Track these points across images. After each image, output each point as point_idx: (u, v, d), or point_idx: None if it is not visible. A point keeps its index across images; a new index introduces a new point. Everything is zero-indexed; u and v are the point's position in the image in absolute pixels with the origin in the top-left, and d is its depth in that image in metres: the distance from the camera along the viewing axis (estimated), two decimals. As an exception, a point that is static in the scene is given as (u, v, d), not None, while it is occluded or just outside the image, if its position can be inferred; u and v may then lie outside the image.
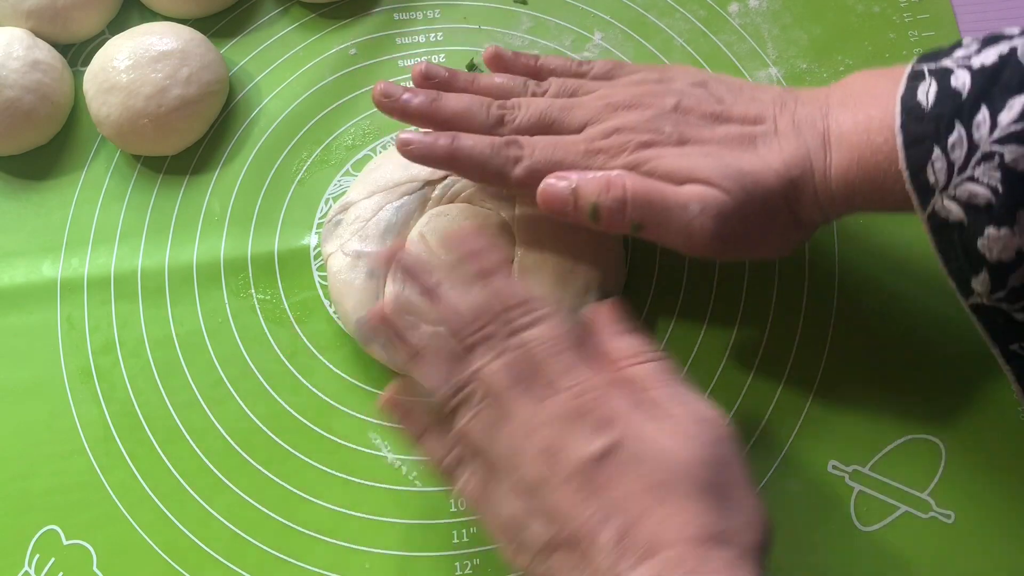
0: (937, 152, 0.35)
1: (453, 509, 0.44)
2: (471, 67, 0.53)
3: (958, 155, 0.34)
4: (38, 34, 0.54)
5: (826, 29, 0.53)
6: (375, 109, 0.52)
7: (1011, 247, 0.34)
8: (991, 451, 0.43)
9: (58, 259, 0.51)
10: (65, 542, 0.45)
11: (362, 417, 0.46)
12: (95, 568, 0.44)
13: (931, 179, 0.35)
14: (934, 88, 0.36)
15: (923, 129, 0.35)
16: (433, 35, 0.55)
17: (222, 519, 0.45)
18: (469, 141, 0.42)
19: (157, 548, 0.44)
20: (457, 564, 0.43)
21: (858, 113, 0.38)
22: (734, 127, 0.40)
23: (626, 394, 0.37)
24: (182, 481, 0.46)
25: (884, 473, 0.43)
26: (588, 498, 0.35)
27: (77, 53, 0.56)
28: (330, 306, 0.48)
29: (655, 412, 0.36)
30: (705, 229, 0.38)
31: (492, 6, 0.55)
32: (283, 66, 0.54)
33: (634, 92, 0.42)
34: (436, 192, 0.47)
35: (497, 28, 0.54)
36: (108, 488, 0.46)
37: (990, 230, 0.34)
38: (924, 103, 0.36)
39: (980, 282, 0.35)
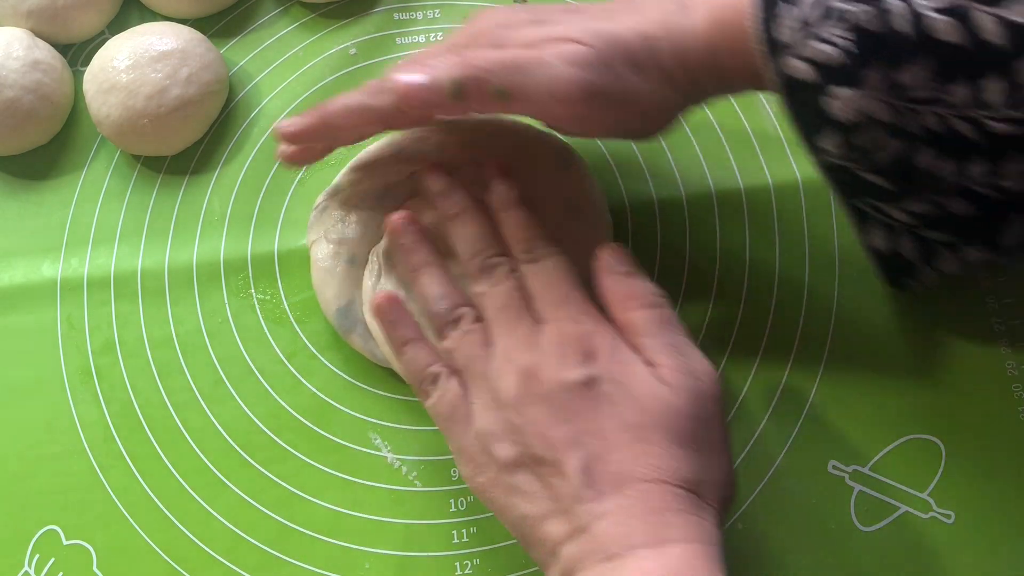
0: (786, 8, 0.34)
1: (453, 509, 0.44)
2: (471, 67, 0.53)
3: (809, 12, 0.34)
4: (38, 34, 0.54)
5: (826, 29, 0.52)
6: (375, 109, 0.53)
7: (857, 108, 0.34)
8: (991, 451, 0.43)
9: (58, 259, 0.51)
10: (65, 542, 0.45)
11: (362, 417, 0.46)
12: (95, 568, 0.44)
13: (780, 36, 0.35)
14: None
15: None
16: (433, 35, 0.55)
17: (222, 519, 0.45)
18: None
19: (157, 548, 0.44)
20: (457, 564, 0.43)
21: None
22: (595, 7, 0.40)
23: (614, 335, 0.38)
24: (182, 481, 0.46)
25: (884, 473, 0.43)
26: (561, 422, 0.36)
27: (77, 53, 0.56)
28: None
29: (645, 357, 0.37)
30: (571, 81, 0.37)
31: (492, 6, 0.55)
32: (283, 66, 0.54)
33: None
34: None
35: (497, 28, 0.54)
36: (108, 488, 0.46)
37: (838, 89, 0.34)
38: None
39: (828, 141, 0.35)
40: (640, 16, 0.39)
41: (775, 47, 0.35)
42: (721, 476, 0.36)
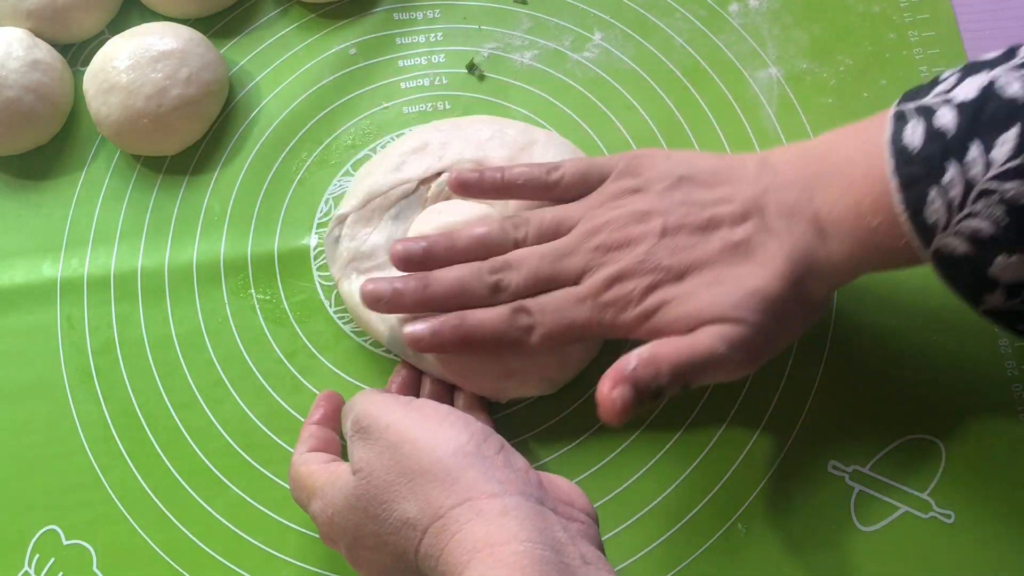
0: (933, 193, 0.35)
1: (453, 509, 0.44)
2: (471, 67, 0.53)
3: (955, 194, 0.34)
4: (38, 34, 0.54)
5: (826, 29, 0.53)
6: (375, 109, 0.53)
7: (1022, 269, 0.34)
8: (991, 451, 0.43)
9: (58, 259, 0.51)
10: (65, 542, 0.45)
11: (362, 417, 0.46)
12: (95, 568, 0.44)
13: (930, 219, 0.35)
14: (920, 128, 0.36)
15: (915, 171, 0.35)
16: (433, 35, 0.55)
17: (222, 519, 0.45)
18: (476, 319, 0.42)
19: (157, 548, 0.44)
20: (457, 564, 0.43)
21: (843, 196, 0.38)
22: (725, 232, 0.40)
23: None
24: (182, 481, 0.46)
25: (884, 473, 0.43)
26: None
27: (77, 53, 0.56)
28: (330, 306, 0.48)
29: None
30: (738, 361, 0.39)
31: (492, 6, 0.55)
32: (283, 66, 0.54)
33: (617, 219, 0.42)
34: (431, 190, 0.47)
35: (497, 28, 0.54)
36: (108, 488, 0.46)
37: (1000, 258, 0.34)
38: (911, 145, 0.36)
39: (994, 297, 0.36)
40: (781, 253, 0.39)
41: (926, 229, 0.35)
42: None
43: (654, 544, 0.43)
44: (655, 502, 0.44)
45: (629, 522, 0.43)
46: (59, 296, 0.50)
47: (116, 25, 0.56)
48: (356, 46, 0.54)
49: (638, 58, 0.53)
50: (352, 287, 0.46)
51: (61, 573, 0.45)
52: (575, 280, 0.42)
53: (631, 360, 0.38)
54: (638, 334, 0.41)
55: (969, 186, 0.34)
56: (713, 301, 0.39)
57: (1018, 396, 0.44)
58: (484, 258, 0.43)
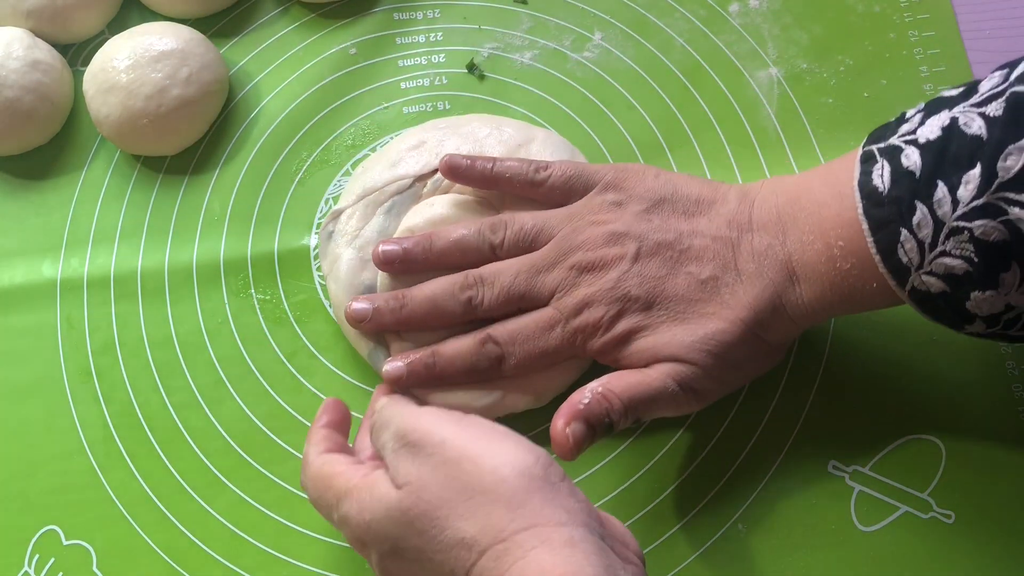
0: (905, 233, 0.36)
1: (453, 509, 0.44)
2: (471, 67, 0.53)
3: (926, 234, 0.35)
4: (38, 34, 0.54)
5: (826, 29, 0.53)
6: (375, 109, 0.53)
7: (1000, 302, 0.35)
8: (991, 451, 0.43)
9: (58, 259, 0.51)
10: (65, 542, 0.45)
11: (362, 417, 0.46)
12: (95, 568, 0.44)
13: (904, 259, 0.36)
14: (887, 170, 0.36)
15: (886, 213, 0.36)
16: (433, 35, 0.55)
17: (222, 519, 0.45)
18: (448, 354, 0.43)
19: (157, 548, 0.44)
20: (457, 564, 0.43)
21: (815, 240, 0.39)
22: (694, 268, 0.41)
23: None
24: (182, 481, 0.46)
25: (884, 473, 0.43)
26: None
27: (77, 53, 0.56)
28: (330, 307, 0.48)
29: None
30: (687, 398, 0.40)
31: (492, 6, 0.55)
32: (283, 66, 0.54)
33: (593, 239, 0.42)
34: (427, 188, 0.47)
35: (497, 28, 0.54)
36: (108, 488, 0.46)
37: (975, 294, 0.35)
38: (881, 187, 0.36)
39: (974, 328, 0.37)
40: (747, 297, 0.40)
41: (901, 269, 0.36)
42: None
43: (654, 544, 0.43)
44: (655, 502, 0.44)
45: (629, 522, 0.43)
46: (59, 296, 0.50)
47: (116, 25, 0.56)
48: (356, 46, 0.54)
49: (638, 58, 0.53)
50: (339, 287, 0.46)
51: (61, 573, 0.45)
52: (546, 299, 0.43)
53: (585, 394, 0.39)
54: (605, 360, 0.42)
55: (939, 225, 0.35)
56: (671, 340, 0.40)
57: (1018, 396, 0.44)
58: (460, 262, 0.44)
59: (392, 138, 0.51)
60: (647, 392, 0.39)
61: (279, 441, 0.46)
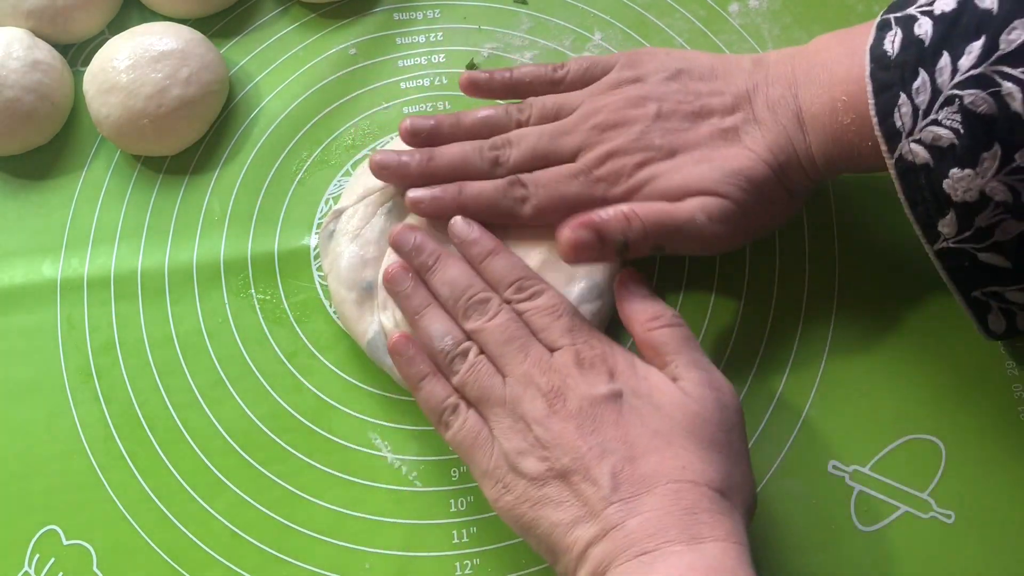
0: (903, 98, 0.36)
1: (453, 509, 0.44)
2: (471, 67, 0.53)
3: (922, 100, 0.36)
4: (38, 34, 0.54)
5: (826, 29, 0.52)
6: (375, 109, 0.53)
7: (975, 188, 0.35)
8: (991, 451, 0.43)
9: (58, 259, 0.51)
10: (65, 542, 0.45)
11: (362, 417, 0.46)
12: (95, 568, 0.44)
13: (898, 123, 0.37)
14: (899, 36, 0.37)
15: (889, 77, 0.37)
16: (433, 35, 0.55)
17: (222, 519, 0.45)
18: (474, 189, 0.44)
19: (157, 548, 0.44)
20: (457, 564, 0.43)
21: (823, 93, 0.40)
22: (715, 120, 0.42)
23: (630, 354, 0.40)
24: (182, 481, 0.46)
25: (884, 473, 0.43)
26: (589, 434, 0.37)
27: (77, 53, 0.56)
28: (330, 306, 0.48)
29: (668, 372, 0.39)
30: (716, 233, 0.41)
31: (492, 6, 0.55)
32: (283, 66, 0.54)
33: (614, 103, 0.44)
34: None
35: (497, 28, 0.54)
36: (108, 488, 0.46)
37: (954, 171, 0.35)
38: (890, 51, 0.37)
39: (947, 223, 0.37)
40: (765, 140, 0.41)
41: (893, 134, 0.37)
42: (745, 483, 0.37)
43: (654, 544, 0.43)
44: (655, 502, 0.44)
45: (629, 522, 0.43)
46: (59, 296, 0.50)
47: (116, 25, 0.56)
48: (356, 46, 0.54)
49: (638, 58, 0.53)
50: (340, 284, 0.46)
51: (61, 573, 0.45)
52: (571, 158, 0.44)
53: (608, 210, 0.41)
54: None
55: (936, 93, 0.35)
56: (700, 175, 0.41)
57: (1018, 396, 0.44)
58: (488, 137, 0.45)
59: (393, 138, 0.51)
60: (674, 220, 0.41)
61: (279, 441, 0.46)
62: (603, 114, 0.43)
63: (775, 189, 0.42)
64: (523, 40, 0.54)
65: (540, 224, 0.44)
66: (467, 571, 0.43)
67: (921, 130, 0.36)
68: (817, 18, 0.53)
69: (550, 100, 0.46)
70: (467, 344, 0.41)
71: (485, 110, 0.46)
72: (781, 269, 0.47)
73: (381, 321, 0.45)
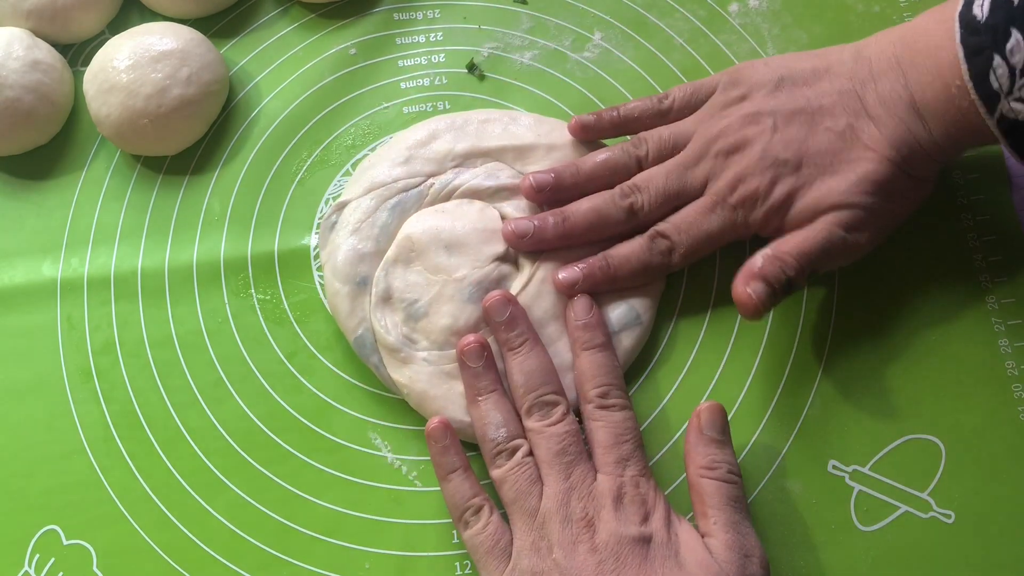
0: (998, 59, 0.37)
1: (453, 509, 0.44)
2: (471, 67, 0.53)
3: (1018, 59, 0.36)
4: (38, 34, 0.54)
5: (826, 28, 0.53)
6: (375, 109, 0.53)
7: None
8: (991, 451, 0.43)
9: (58, 259, 0.51)
10: (65, 542, 0.45)
11: (362, 417, 0.46)
12: (95, 568, 0.44)
13: (995, 85, 0.37)
14: (988, 1, 0.37)
15: (981, 40, 0.37)
16: (433, 35, 0.55)
17: (222, 519, 0.45)
18: (621, 255, 0.44)
19: (157, 548, 0.44)
20: (457, 564, 0.43)
21: (934, 80, 0.40)
22: (830, 122, 0.43)
23: (668, 505, 0.40)
24: (182, 481, 0.46)
25: (884, 473, 0.43)
26: (609, 572, 0.37)
27: (77, 53, 0.56)
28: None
29: (703, 525, 0.39)
30: (857, 241, 0.42)
31: (492, 6, 0.55)
32: (283, 66, 0.54)
33: (730, 125, 0.44)
34: (435, 187, 0.47)
35: (497, 28, 0.54)
36: (108, 488, 0.46)
37: None
38: (979, 15, 0.38)
39: None
40: (883, 136, 0.42)
41: (991, 96, 0.37)
42: None
43: (654, 544, 0.43)
44: (655, 502, 0.44)
45: (629, 522, 0.43)
46: (59, 296, 0.50)
47: (116, 25, 0.56)
48: (356, 46, 0.54)
49: (638, 58, 0.53)
50: (335, 276, 0.46)
51: (61, 573, 0.45)
52: (701, 190, 0.44)
53: (757, 260, 0.41)
54: (768, 232, 0.44)
55: None
56: (829, 191, 0.42)
57: (1018, 396, 0.44)
58: (609, 181, 0.46)
59: (390, 138, 0.51)
60: (816, 244, 0.41)
61: (279, 441, 0.46)
62: (722, 139, 0.44)
63: (902, 182, 0.42)
64: (523, 40, 0.54)
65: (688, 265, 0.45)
66: (467, 571, 0.43)
67: (1021, 88, 0.36)
68: (817, 18, 0.53)
69: (665, 132, 0.46)
70: (519, 442, 0.41)
71: (601, 153, 0.46)
72: (781, 269, 0.47)
73: (372, 323, 0.45)
